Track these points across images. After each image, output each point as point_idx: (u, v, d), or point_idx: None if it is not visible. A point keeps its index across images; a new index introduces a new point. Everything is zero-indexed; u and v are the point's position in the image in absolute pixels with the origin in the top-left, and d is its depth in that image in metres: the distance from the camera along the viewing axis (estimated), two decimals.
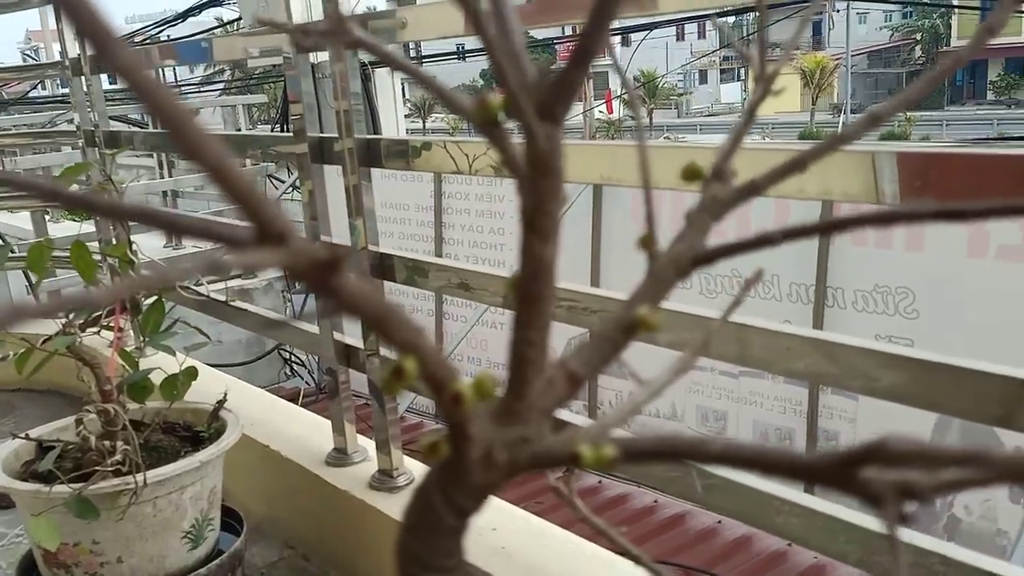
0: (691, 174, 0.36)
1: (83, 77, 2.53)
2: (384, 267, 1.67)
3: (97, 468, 1.46)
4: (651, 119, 34.96)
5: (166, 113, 0.20)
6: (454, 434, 0.30)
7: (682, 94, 38.65)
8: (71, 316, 1.78)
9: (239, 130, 6.40)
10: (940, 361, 0.96)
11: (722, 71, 42.03)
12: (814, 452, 0.27)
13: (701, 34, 39.10)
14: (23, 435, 1.60)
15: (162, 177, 5.91)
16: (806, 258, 3.60)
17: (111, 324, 1.84)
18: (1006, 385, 0.91)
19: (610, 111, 32.75)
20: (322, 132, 1.77)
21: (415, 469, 1.77)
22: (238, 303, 2.12)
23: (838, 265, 3.56)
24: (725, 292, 3.89)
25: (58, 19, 2.64)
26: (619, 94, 33.91)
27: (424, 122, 36.89)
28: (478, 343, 4.83)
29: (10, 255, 2.03)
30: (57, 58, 2.62)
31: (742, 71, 36.73)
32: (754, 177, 0.34)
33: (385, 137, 1.59)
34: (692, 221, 0.35)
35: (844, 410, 3.63)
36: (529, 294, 0.30)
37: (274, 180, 6.43)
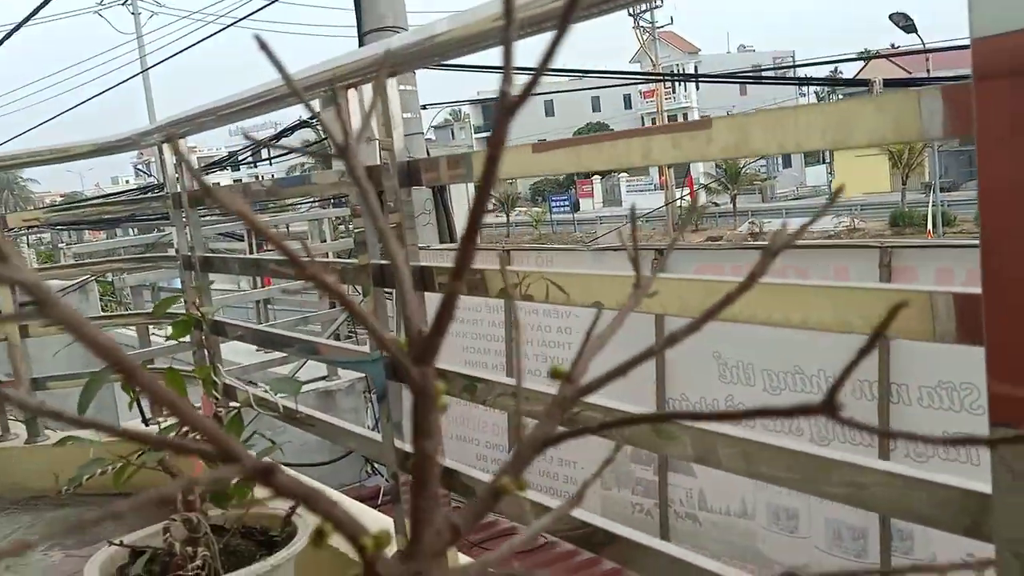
0: (555, 375, 0.50)
1: (182, 209, 2.84)
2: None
3: (180, 573, 1.64)
4: (734, 204, 34.88)
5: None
6: (366, 571, 0.44)
7: (766, 179, 38.45)
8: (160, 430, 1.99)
9: (324, 240, 6.84)
10: (914, 476, 1.05)
11: (806, 155, 41.78)
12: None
13: None
14: (117, 542, 1.79)
15: (254, 287, 6.31)
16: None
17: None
18: (976, 498, 0.99)
19: (692, 197, 32.84)
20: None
21: None
22: (308, 411, 2.28)
23: (901, 361, 3.54)
24: (788, 389, 3.90)
25: (160, 152, 2.96)
26: (700, 182, 33.94)
27: (508, 215, 37.94)
28: None
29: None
30: None
31: (826, 154, 36.27)
32: (590, 381, 0.48)
33: (437, 265, 1.77)
34: (546, 413, 0.49)
35: None
36: (419, 478, 0.45)
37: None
